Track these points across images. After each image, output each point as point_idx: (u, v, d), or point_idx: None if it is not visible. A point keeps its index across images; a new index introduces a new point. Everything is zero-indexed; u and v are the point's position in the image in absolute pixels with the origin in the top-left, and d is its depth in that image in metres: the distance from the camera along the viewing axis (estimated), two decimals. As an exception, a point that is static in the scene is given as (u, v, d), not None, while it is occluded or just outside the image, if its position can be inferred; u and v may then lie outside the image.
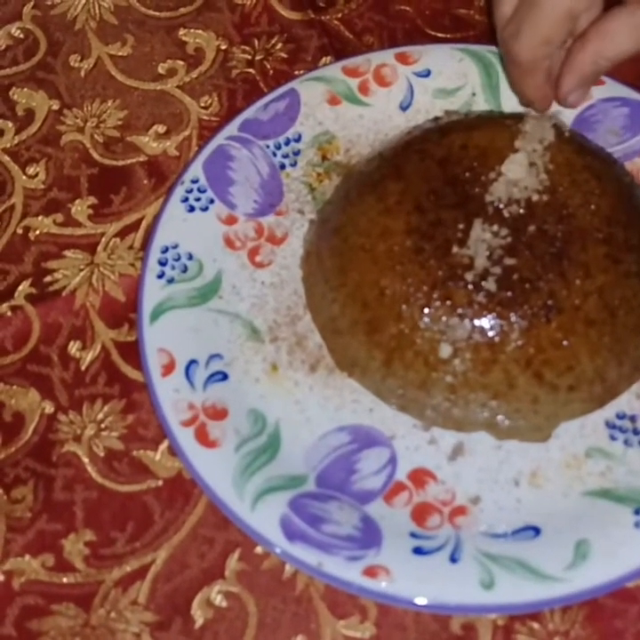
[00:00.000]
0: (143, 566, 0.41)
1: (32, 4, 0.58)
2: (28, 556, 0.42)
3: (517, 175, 0.44)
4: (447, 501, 0.42)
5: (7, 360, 0.47)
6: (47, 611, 0.41)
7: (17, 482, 0.43)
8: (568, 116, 0.50)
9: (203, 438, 0.42)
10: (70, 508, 0.43)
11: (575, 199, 0.44)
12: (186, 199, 0.49)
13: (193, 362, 0.44)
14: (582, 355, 0.42)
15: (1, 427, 0.45)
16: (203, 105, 0.55)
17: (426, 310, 0.42)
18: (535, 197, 0.43)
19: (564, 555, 0.39)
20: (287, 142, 0.51)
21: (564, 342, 0.42)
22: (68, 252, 0.50)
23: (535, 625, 0.40)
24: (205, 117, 0.54)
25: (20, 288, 0.48)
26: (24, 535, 0.42)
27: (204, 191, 0.49)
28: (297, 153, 0.51)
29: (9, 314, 0.48)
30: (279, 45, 0.57)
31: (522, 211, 0.43)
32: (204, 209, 0.49)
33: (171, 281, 0.46)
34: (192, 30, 0.57)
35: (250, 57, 0.56)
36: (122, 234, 0.50)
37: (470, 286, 0.41)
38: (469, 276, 0.41)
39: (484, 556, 0.40)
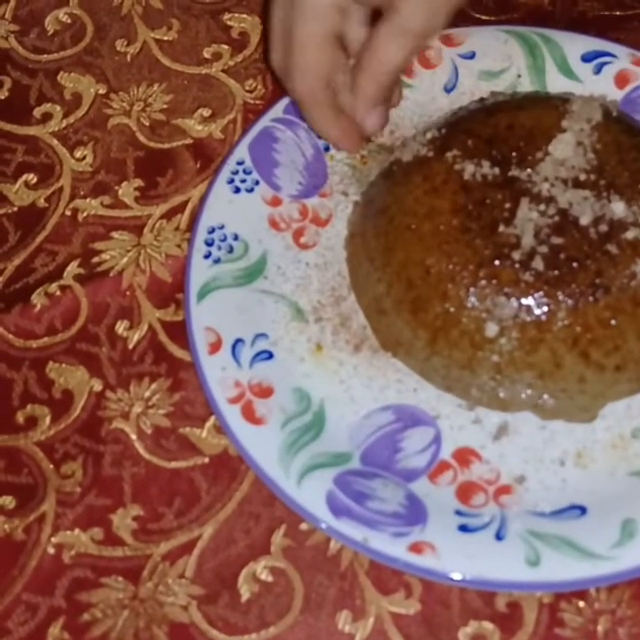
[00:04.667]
0: (190, 541, 0.42)
1: (79, -11, 0.59)
2: (77, 530, 0.42)
3: (565, 154, 0.43)
4: (492, 480, 0.42)
5: (57, 339, 0.47)
6: (96, 583, 0.41)
7: (67, 457, 0.44)
8: (616, 97, 0.50)
9: (249, 415, 0.43)
10: (119, 484, 0.43)
11: (622, 179, 0.43)
12: (232, 180, 0.49)
13: (239, 341, 0.45)
14: (629, 334, 0.42)
15: (51, 404, 0.46)
16: (247, 88, 0.55)
17: (472, 289, 0.42)
18: (582, 177, 0.43)
19: (610, 533, 0.39)
20: (332, 124, 0.51)
21: (612, 322, 0.41)
22: (115, 234, 0.50)
23: (581, 603, 0.40)
24: (250, 101, 0.55)
25: (69, 268, 0.49)
26: (74, 509, 0.43)
27: (250, 173, 0.49)
28: (341, 135, 0.51)
29: (58, 293, 0.48)
30: (323, 29, 0.57)
31: (569, 190, 0.43)
32: (250, 190, 0.49)
33: (217, 261, 0.47)
34: (237, 15, 0.58)
35: (294, 40, 0.56)
36: (168, 215, 0.51)
37: (517, 265, 0.41)
38: (516, 255, 0.41)
39: (529, 534, 0.40)
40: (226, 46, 0.57)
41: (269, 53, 0.47)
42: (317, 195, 0.50)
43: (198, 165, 0.52)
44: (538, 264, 0.41)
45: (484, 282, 0.42)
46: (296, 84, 0.45)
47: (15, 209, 0.52)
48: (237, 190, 0.49)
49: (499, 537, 0.40)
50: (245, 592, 0.41)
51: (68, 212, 0.51)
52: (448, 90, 0.52)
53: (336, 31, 0.44)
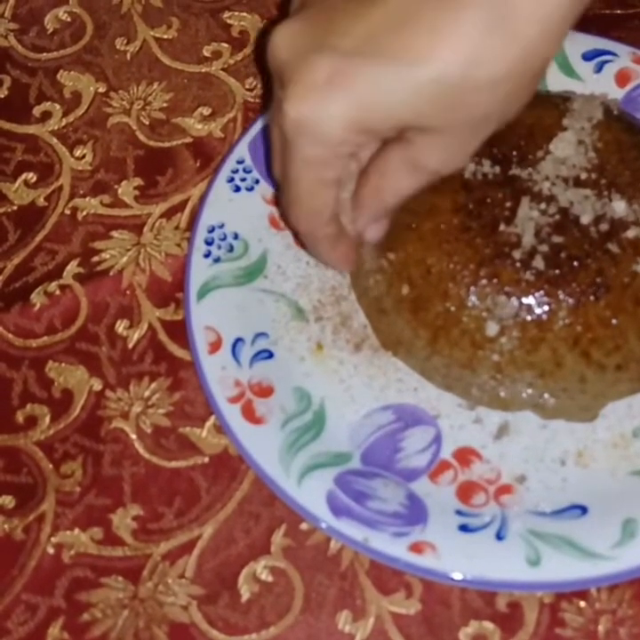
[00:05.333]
0: (190, 541, 0.42)
1: (79, -12, 0.59)
2: (77, 530, 0.42)
3: (565, 153, 0.43)
4: (492, 480, 0.42)
5: (56, 338, 0.47)
6: (96, 583, 0.41)
7: (66, 457, 0.44)
8: (617, 95, 0.50)
9: (249, 415, 0.43)
10: (118, 483, 0.43)
11: (624, 177, 0.43)
12: (232, 179, 0.49)
13: (239, 340, 0.45)
14: (630, 334, 0.42)
15: (50, 403, 0.46)
16: (248, 87, 0.55)
17: (472, 288, 0.42)
18: (583, 175, 0.43)
19: (611, 533, 0.39)
20: (332, 123, 0.51)
21: (613, 321, 0.41)
22: (114, 233, 0.50)
23: (582, 603, 0.40)
24: (250, 99, 0.54)
25: (69, 268, 0.49)
26: (73, 509, 0.43)
27: (250, 171, 0.49)
28: (341, 134, 0.51)
29: (58, 292, 0.48)
30: (323, 27, 0.57)
31: (570, 189, 0.43)
32: (250, 189, 0.49)
33: (217, 260, 0.47)
34: (236, 13, 0.58)
35: (294, 39, 0.56)
36: (168, 214, 0.51)
37: (518, 264, 0.41)
38: (517, 254, 0.41)
39: (530, 534, 0.39)
40: (226, 45, 0.56)
41: (271, 162, 0.42)
42: (317, 193, 0.50)
43: (198, 164, 0.52)
44: (538, 263, 0.41)
45: (484, 281, 0.42)
46: (295, 222, 0.41)
47: (15, 208, 0.51)
48: (237, 189, 0.49)
49: (499, 537, 0.40)
50: (245, 592, 0.41)
51: (68, 211, 0.51)
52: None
53: (336, 176, 0.38)
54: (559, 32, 0.34)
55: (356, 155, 0.39)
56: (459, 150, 0.38)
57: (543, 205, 0.42)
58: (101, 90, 0.55)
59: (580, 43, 0.52)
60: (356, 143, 0.37)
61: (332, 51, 0.35)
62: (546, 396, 0.42)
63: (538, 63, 0.35)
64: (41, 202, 0.51)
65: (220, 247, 0.47)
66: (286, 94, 0.36)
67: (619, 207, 0.42)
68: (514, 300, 0.41)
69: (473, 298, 0.42)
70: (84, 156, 0.53)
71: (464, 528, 0.40)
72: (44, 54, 0.57)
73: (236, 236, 0.48)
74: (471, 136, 0.37)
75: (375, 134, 0.37)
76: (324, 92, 0.35)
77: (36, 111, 0.55)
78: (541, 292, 0.41)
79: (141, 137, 0.53)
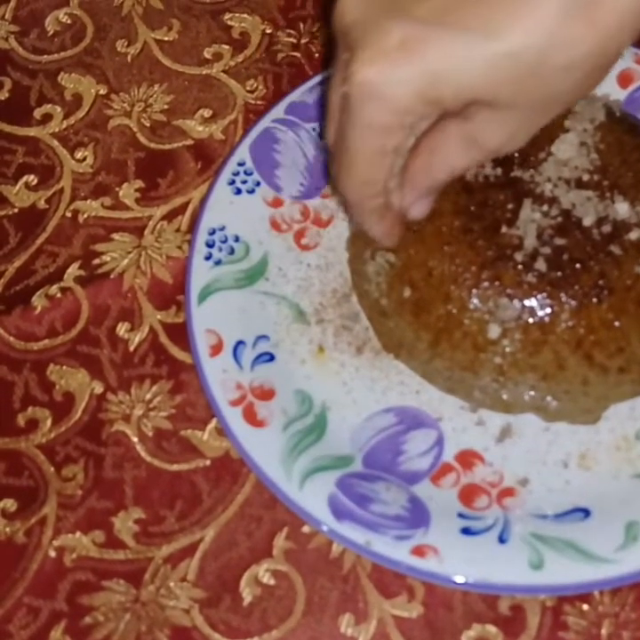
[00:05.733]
0: (192, 544, 0.42)
1: (79, -11, 0.59)
2: (79, 533, 0.42)
3: (567, 155, 0.43)
4: (495, 483, 0.42)
5: (57, 341, 0.47)
6: (98, 586, 0.41)
7: (68, 460, 0.44)
8: (619, 96, 0.49)
9: (251, 418, 0.43)
10: (120, 486, 0.43)
11: (626, 179, 0.43)
12: (232, 182, 0.49)
13: (240, 343, 0.45)
14: (633, 336, 0.42)
15: (52, 406, 0.46)
16: (248, 89, 0.55)
17: (474, 291, 0.42)
18: (586, 177, 0.43)
19: (614, 536, 0.39)
20: (333, 125, 0.51)
21: (615, 323, 0.41)
22: (115, 235, 0.50)
23: (585, 606, 0.39)
24: (251, 101, 0.54)
25: (70, 270, 0.49)
26: (75, 512, 0.43)
27: (251, 174, 0.49)
28: (343, 135, 0.51)
29: (59, 295, 0.48)
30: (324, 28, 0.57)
31: (572, 190, 0.43)
32: (251, 191, 0.49)
33: (218, 263, 0.47)
34: (237, 15, 0.58)
35: (295, 40, 0.56)
36: (169, 217, 0.51)
37: (520, 266, 0.41)
38: (519, 256, 0.41)
39: (532, 537, 0.39)
40: (226, 46, 0.56)
41: (325, 125, 0.41)
42: (319, 196, 0.50)
43: (199, 166, 0.52)
44: (541, 265, 0.41)
45: (486, 283, 0.41)
46: (345, 189, 0.40)
47: (15, 210, 0.51)
48: (238, 191, 0.49)
49: (502, 540, 0.40)
50: (247, 595, 0.41)
51: (69, 214, 0.51)
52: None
53: (396, 146, 0.37)
54: (635, 24, 0.34)
55: (414, 128, 0.38)
56: (521, 129, 0.37)
57: (545, 207, 0.42)
58: (102, 92, 0.55)
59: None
60: (421, 113, 0.36)
61: (406, 17, 0.34)
62: (548, 398, 0.42)
63: (613, 52, 0.35)
64: (42, 204, 0.51)
65: (220, 250, 0.47)
66: (355, 57, 0.35)
67: (621, 209, 0.42)
68: (516, 303, 0.41)
69: (475, 300, 0.42)
70: (84, 159, 0.53)
71: (466, 531, 0.40)
72: (45, 56, 0.57)
73: (236, 239, 0.48)
74: (537, 116, 0.37)
75: (442, 105, 0.36)
76: (396, 58, 0.34)
77: (37, 113, 0.55)
78: (544, 294, 0.41)
79: (142, 139, 0.53)
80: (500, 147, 0.38)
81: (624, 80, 0.51)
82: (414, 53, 0.34)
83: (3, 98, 0.55)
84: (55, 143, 0.53)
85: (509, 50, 0.33)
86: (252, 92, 0.55)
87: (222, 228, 0.48)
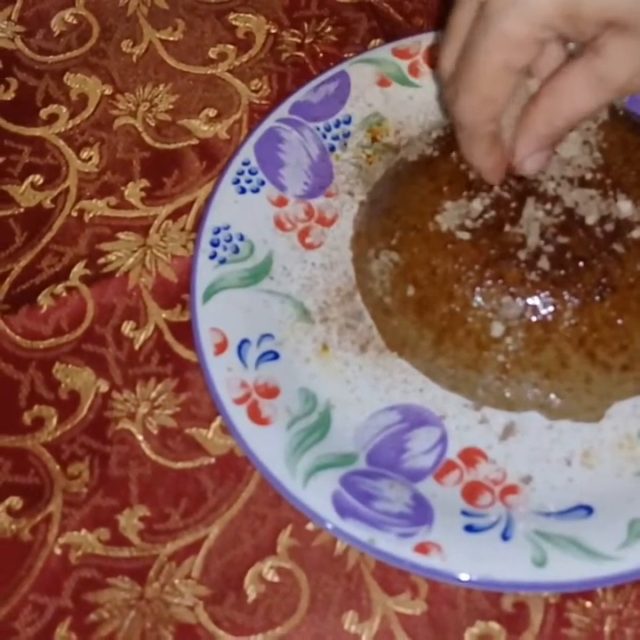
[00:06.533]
0: (197, 541, 0.42)
1: (85, -10, 0.59)
2: (84, 531, 0.43)
3: (571, 153, 0.43)
4: (498, 480, 0.42)
5: (63, 340, 0.48)
6: (103, 584, 0.41)
7: (73, 458, 0.44)
8: (622, 95, 0.50)
9: (255, 416, 0.43)
10: (125, 484, 0.44)
11: (629, 177, 0.43)
12: (237, 181, 0.49)
13: (245, 341, 0.45)
14: (636, 334, 0.42)
15: (57, 404, 0.46)
16: (253, 88, 0.55)
17: (478, 289, 0.42)
18: (588, 176, 0.43)
19: (617, 533, 0.39)
20: (337, 124, 0.51)
21: (618, 321, 0.41)
22: (121, 235, 0.51)
23: (588, 604, 0.40)
24: (256, 101, 0.55)
25: (75, 269, 0.49)
26: (80, 510, 0.43)
27: (255, 173, 0.49)
28: (347, 135, 0.51)
29: (64, 294, 0.48)
30: (328, 28, 0.57)
31: (575, 189, 0.43)
32: (255, 191, 0.49)
33: (223, 262, 0.47)
34: (242, 15, 0.58)
35: (299, 40, 0.57)
36: (174, 216, 0.51)
37: (523, 265, 0.41)
38: (522, 255, 0.41)
39: (536, 534, 0.39)
40: (231, 46, 0.57)
41: (440, 51, 0.41)
42: (323, 195, 0.50)
43: (204, 166, 0.52)
44: (544, 263, 0.41)
45: (489, 281, 0.42)
46: (463, 108, 0.39)
47: (22, 210, 0.52)
48: (243, 191, 0.49)
49: (505, 537, 0.40)
50: (252, 592, 0.41)
51: (75, 213, 0.51)
52: (454, 89, 0.52)
53: (524, 65, 0.37)
54: None
55: (538, 62, 0.38)
56: None
57: (548, 206, 0.42)
58: (108, 92, 0.55)
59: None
60: (558, 30, 0.36)
61: None
62: (551, 396, 0.42)
63: None
64: (48, 204, 0.52)
65: (225, 248, 0.47)
66: None
67: (624, 207, 0.42)
68: (519, 301, 0.41)
69: (478, 298, 0.42)
70: (90, 158, 0.53)
71: (470, 528, 0.40)
72: (51, 57, 0.57)
73: (241, 238, 0.48)
74: None
75: (579, 25, 0.35)
76: None
77: (43, 114, 0.55)
78: (547, 292, 0.41)
79: (147, 139, 0.54)
80: (628, 81, 0.37)
81: (628, 79, 0.51)
82: None
83: (9, 98, 0.56)
84: (61, 143, 0.54)
85: None
86: (256, 91, 0.55)
87: (227, 227, 0.48)
